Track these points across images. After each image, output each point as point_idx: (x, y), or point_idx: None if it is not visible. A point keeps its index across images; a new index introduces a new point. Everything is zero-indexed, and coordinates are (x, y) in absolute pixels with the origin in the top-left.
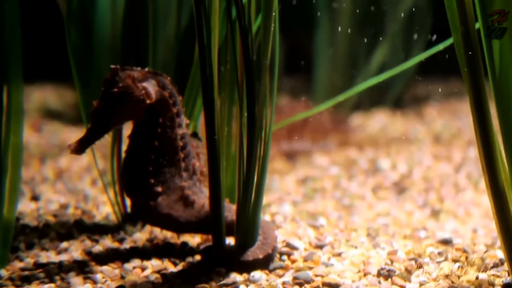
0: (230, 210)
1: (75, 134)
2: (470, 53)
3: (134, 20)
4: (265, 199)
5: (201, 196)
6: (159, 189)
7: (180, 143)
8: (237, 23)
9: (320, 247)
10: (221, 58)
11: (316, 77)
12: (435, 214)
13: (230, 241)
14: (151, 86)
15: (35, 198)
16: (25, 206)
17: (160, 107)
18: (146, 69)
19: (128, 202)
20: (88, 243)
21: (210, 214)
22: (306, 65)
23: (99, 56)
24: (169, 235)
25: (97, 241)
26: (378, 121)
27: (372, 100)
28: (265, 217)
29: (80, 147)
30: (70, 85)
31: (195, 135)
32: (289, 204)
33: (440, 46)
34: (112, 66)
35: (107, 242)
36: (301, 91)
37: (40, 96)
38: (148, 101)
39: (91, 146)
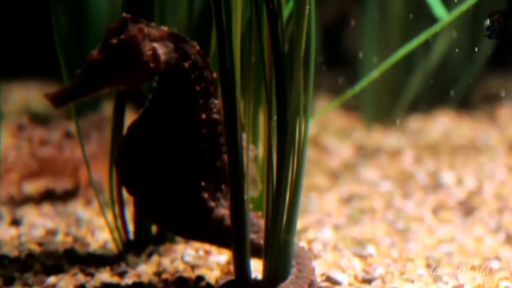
0: (259, 231)
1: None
2: None
3: (137, 1)
4: (300, 222)
5: (224, 205)
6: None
7: (204, 130)
8: (264, 5)
9: (368, 281)
10: (244, 48)
11: (363, 71)
12: (510, 240)
13: (257, 274)
14: (163, 49)
15: (15, 222)
16: (3, 232)
17: (173, 79)
18: (166, 28)
19: (131, 228)
20: (81, 277)
21: (232, 241)
22: (350, 57)
23: (94, 45)
24: (181, 267)
25: (92, 275)
26: (440, 125)
27: (433, 99)
28: (300, 244)
29: (60, 99)
30: (58, 81)
31: None
32: (329, 228)
33: None
34: (124, 15)
35: (105, 276)
36: (343, 89)
37: (21, 95)
38: (152, 65)
39: (73, 102)
